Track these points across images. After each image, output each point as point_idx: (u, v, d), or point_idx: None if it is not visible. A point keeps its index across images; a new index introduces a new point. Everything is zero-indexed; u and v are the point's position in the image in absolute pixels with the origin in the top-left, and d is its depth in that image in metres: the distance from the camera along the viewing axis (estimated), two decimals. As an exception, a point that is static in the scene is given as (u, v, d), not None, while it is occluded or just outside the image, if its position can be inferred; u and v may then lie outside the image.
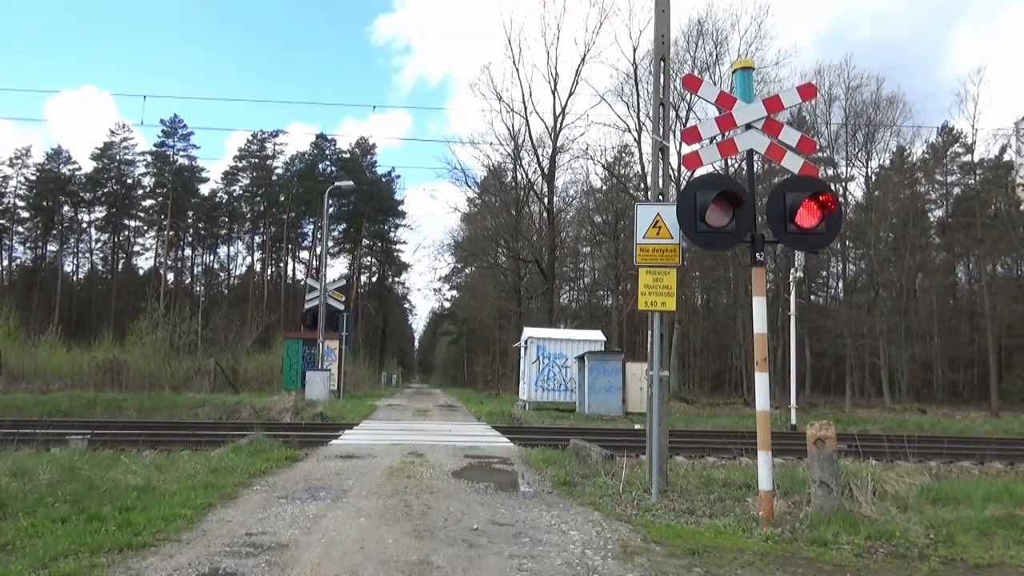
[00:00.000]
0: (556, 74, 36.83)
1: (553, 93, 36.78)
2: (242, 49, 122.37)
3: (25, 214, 66.90)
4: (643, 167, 33.67)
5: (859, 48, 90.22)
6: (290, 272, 71.71)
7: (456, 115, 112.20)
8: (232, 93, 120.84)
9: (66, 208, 66.84)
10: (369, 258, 73.76)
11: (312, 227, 68.23)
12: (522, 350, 27.28)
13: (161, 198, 66.47)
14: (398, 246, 73.69)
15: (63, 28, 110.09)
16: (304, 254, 71.78)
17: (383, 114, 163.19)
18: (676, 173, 29.21)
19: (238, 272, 74.18)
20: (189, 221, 69.40)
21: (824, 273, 50.75)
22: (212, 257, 73.91)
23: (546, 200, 38.44)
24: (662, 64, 8.23)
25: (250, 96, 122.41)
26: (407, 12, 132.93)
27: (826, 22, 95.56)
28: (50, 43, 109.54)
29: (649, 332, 7.56)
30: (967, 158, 47.73)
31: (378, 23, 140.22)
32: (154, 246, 69.31)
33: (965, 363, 46.13)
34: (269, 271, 71.18)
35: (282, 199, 68.18)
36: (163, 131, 66.11)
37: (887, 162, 46.26)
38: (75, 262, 69.77)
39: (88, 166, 67.19)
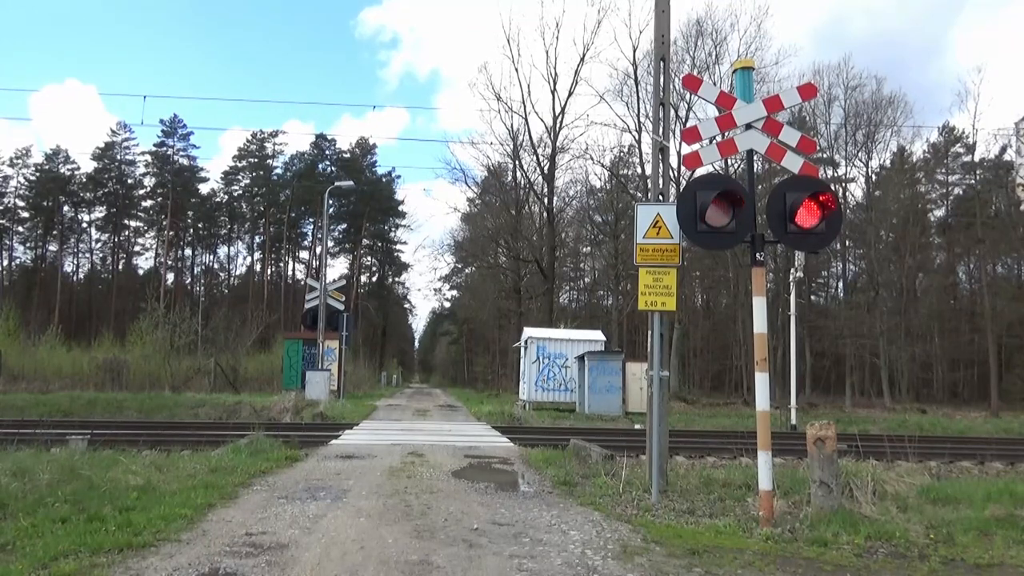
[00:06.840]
0: (555, 74, 36.87)
1: (552, 93, 36.81)
2: (234, 47, 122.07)
3: (25, 214, 66.88)
4: (643, 167, 33.69)
5: (858, 45, 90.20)
6: (290, 272, 71.85)
7: (448, 112, 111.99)
8: (225, 92, 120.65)
9: (66, 208, 66.82)
10: (369, 258, 73.79)
11: (312, 227, 68.32)
12: (522, 350, 27.28)
13: (161, 198, 66.46)
14: (398, 246, 73.80)
15: (48, 23, 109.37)
16: (304, 254, 71.90)
17: (380, 111, 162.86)
18: (676, 173, 29.23)
19: (238, 272, 74.30)
20: (189, 221, 69.38)
21: (824, 273, 50.77)
22: (212, 257, 73.99)
23: (546, 200, 38.45)
24: (662, 64, 8.23)
25: (244, 95, 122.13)
26: (394, 3, 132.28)
27: (824, 19, 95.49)
28: (32, 37, 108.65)
29: (649, 332, 7.56)
30: (967, 158, 47.76)
31: (363, 16, 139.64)
32: (154, 246, 69.41)
33: (965, 363, 46.09)
34: (269, 271, 71.21)
35: (282, 199, 68.18)
36: (163, 131, 66.25)
37: (887, 162, 46.37)
38: (75, 262, 69.85)
39: (88, 166, 67.37)
